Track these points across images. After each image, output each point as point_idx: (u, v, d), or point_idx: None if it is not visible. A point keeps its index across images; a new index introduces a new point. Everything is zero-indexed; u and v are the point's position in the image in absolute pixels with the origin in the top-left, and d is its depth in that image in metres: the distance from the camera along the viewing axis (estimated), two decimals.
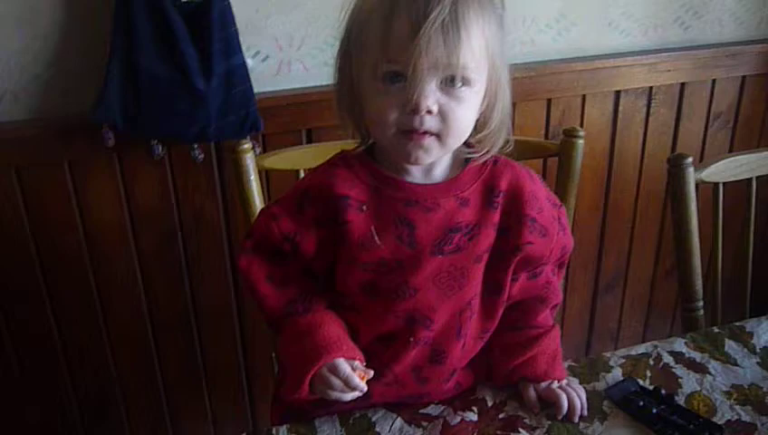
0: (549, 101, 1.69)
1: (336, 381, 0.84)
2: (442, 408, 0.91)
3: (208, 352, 1.69)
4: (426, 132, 0.82)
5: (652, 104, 1.79)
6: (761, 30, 1.82)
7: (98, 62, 1.34)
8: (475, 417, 0.89)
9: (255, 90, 1.41)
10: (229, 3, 1.34)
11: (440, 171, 0.90)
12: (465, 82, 0.81)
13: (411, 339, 0.89)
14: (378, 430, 0.88)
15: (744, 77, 1.83)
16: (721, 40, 1.79)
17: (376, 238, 0.87)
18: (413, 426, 0.88)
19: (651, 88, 1.76)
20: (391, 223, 0.88)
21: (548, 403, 0.90)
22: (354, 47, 0.85)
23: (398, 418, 0.89)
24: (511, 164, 0.93)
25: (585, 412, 0.89)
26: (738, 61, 1.80)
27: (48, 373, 1.59)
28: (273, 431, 0.88)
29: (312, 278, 0.95)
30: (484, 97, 0.85)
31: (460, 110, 0.82)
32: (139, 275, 1.56)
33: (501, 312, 0.94)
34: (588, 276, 1.95)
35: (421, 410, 0.91)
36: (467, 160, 0.91)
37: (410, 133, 0.82)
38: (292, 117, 1.51)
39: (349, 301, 0.93)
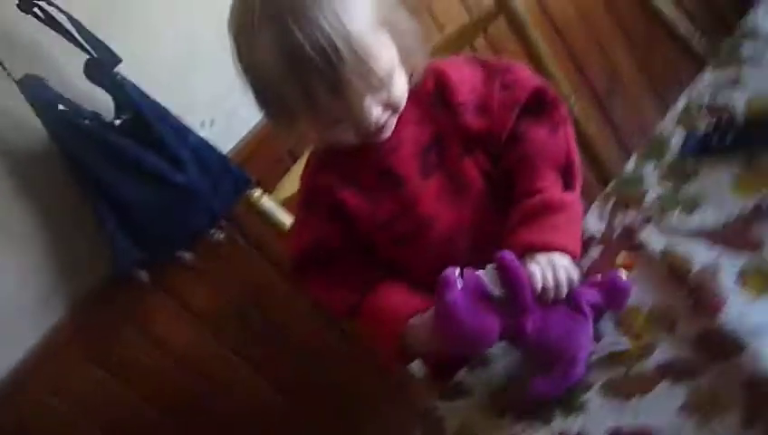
0: None
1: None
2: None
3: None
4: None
5: None
6: None
7: (88, 227, 1.37)
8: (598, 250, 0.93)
9: (224, 150, 1.45)
10: (152, 99, 1.36)
11: None
12: (390, 78, 0.86)
13: (458, 254, 0.93)
14: None
15: None
16: None
17: None
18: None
19: None
20: (376, 179, 0.94)
21: None
22: (276, 108, 0.89)
23: None
24: (431, 66, 0.95)
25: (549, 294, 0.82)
26: None
27: None
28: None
29: (364, 264, 0.99)
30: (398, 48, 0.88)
31: (396, 91, 0.87)
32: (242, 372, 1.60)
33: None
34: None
35: None
36: None
37: (370, 133, 0.88)
38: (266, 152, 1.53)
39: (390, 258, 0.99)
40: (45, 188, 1.36)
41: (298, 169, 1.28)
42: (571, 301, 0.81)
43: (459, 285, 0.77)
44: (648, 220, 0.91)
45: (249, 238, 1.56)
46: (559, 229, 0.87)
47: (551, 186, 0.91)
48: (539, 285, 0.79)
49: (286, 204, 1.25)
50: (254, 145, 1.52)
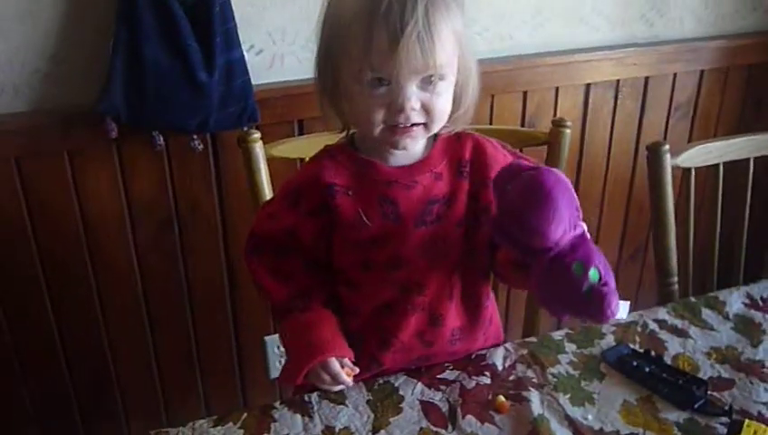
0: (525, 93, 1.78)
1: (326, 377, 0.95)
2: (457, 373, 1.00)
3: (202, 337, 1.74)
4: (412, 125, 0.92)
5: (619, 96, 1.90)
6: (718, 26, 1.94)
7: (99, 55, 1.38)
8: (488, 380, 0.98)
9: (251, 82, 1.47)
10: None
11: (416, 149, 1.00)
12: (442, 77, 0.90)
13: (408, 307, 1.00)
14: (401, 393, 0.96)
15: (702, 71, 1.96)
16: (682, 36, 1.92)
17: (364, 218, 0.97)
18: (432, 389, 0.97)
19: (618, 81, 1.87)
20: (376, 203, 0.98)
21: None
22: (335, 51, 0.93)
23: (419, 383, 0.98)
24: (472, 136, 1.04)
25: None
26: (697, 56, 1.92)
27: (45, 359, 1.62)
28: (306, 398, 0.95)
29: (313, 273, 1.03)
30: (457, 82, 0.95)
31: (440, 101, 0.92)
32: (135, 264, 1.61)
33: (486, 270, 1.06)
34: None
35: (439, 376, 0.99)
36: (434, 137, 1.01)
37: (397, 128, 0.92)
38: (285, 108, 1.56)
39: (346, 277, 1.03)
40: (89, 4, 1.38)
41: (298, 143, 1.32)
42: None
43: None
44: (541, 387, 0.97)
45: (218, 169, 1.58)
46: None
47: None
48: None
49: (270, 162, 1.28)
50: (277, 97, 1.54)
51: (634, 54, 1.84)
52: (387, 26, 0.85)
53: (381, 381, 0.98)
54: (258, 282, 1.04)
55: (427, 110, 0.91)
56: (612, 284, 0.82)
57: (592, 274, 0.81)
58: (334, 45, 0.93)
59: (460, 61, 0.93)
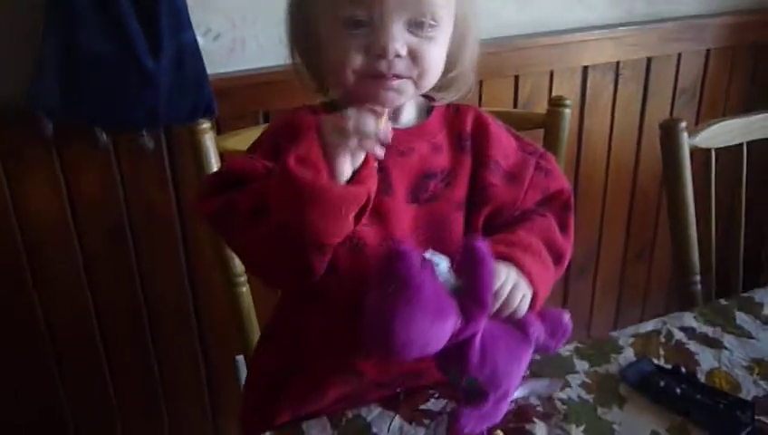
0: (516, 78, 1.64)
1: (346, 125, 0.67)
2: (444, 402, 0.82)
3: (164, 359, 1.57)
4: (395, 76, 0.77)
5: (619, 79, 1.75)
6: (723, 2, 1.79)
7: (28, 42, 1.22)
8: None
9: (207, 70, 1.30)
10: None
11: (407, 118, 0.86)
12: (436, 20, 0.76)
13: None
14: (375, 430, 0.78)
15: (708, 50, 1.81)
16: (685, 13, 1.76)
17: None
18: (414, 424, 0.78)
19: (618, 63, 1.73)
20: None
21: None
22: None
23: (397, 416, 0.80)
24: (472, 107, 0.90)
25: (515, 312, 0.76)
26: (702, 34, 1.78)
27: None
28: None
29: None
30: (453, 32, 0.80)
31: (432, 50, 0.77)
32: (83, 276, 1.44)
33: None
34: None
35: (421, 406, 0.81)
36: (430, 108, 0.88)
37: (378, 78, 0.76)
38: (247, 99, 1.41)
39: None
40: None
41: (255, 133, 1.12)
42: (519, 324, 0.75)
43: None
44: (548, 417, 0.79)
45: (174, 169, 1.41)
46: (545, 268, 0.81)
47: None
48: (498, 284, 0.72)
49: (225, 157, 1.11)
50: (238, 86, 1.38)
51: (634, 33, 1.71)
52: None
53: (350, 416, 0.80)
54: (214, 209, 0.76)
55: (415, 58, 0.76)
56: (500, 390, 0.72)
57: (468, 382, 0.72)
58: None
59: (458, 6, 0.79)
